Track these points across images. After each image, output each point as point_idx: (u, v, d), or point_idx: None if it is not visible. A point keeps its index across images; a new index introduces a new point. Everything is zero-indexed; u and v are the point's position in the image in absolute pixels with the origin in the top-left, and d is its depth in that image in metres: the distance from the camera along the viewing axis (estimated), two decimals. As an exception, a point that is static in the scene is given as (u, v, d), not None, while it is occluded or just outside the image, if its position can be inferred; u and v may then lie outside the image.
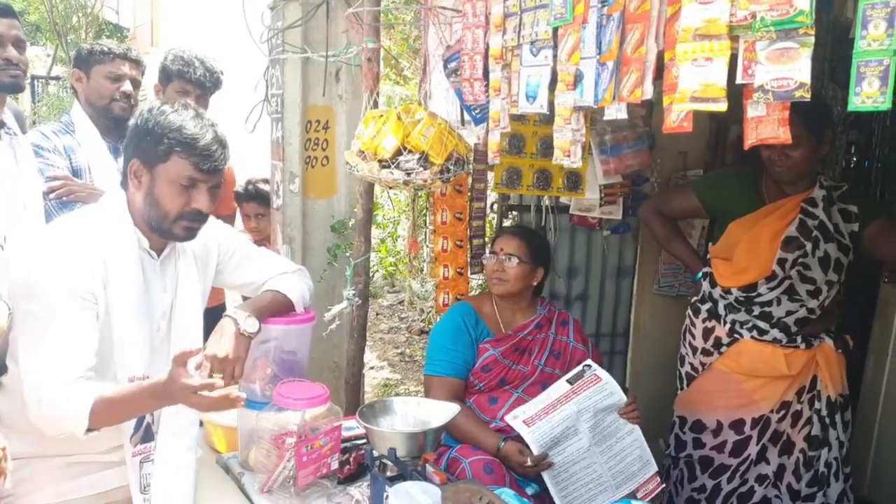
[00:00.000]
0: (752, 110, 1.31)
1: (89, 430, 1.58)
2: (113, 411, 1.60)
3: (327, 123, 3.02)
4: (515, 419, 2.23)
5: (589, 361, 2.36)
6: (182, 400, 1.52)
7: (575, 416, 2.25)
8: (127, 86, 2.66)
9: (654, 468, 2.32)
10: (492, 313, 2.56)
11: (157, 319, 1.80)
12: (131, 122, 1.74)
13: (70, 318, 1.62)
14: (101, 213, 1.75)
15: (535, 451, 2.20)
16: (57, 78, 13.68)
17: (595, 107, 1.60)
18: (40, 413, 1.59)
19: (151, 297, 1.77)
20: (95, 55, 2.64)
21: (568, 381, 2.29)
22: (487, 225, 3.38)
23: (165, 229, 1.73)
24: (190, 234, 1.76)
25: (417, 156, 2.09)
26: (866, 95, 1.13)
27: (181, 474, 1.80)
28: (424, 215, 3.03)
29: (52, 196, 2.43)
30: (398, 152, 2.11)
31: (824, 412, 2.56)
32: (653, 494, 2.26)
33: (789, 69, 1.20)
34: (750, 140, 1.36)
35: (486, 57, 1.94)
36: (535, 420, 2.22)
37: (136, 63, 2.71)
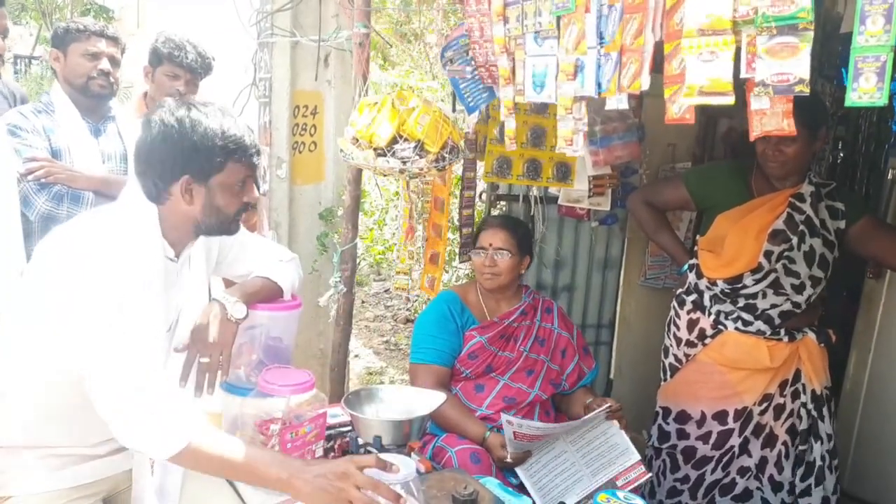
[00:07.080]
0: (756, 103, 1.31)
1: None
2: (215, 467, 1.51)
3: (315, 109, 3.00)
4: (509, 424, 2.10)
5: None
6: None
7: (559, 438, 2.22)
8: (105, 63, 2.61)
9: (636, 456, 2.20)
10: (477, 302, 2.56)
11: (169, 321, 1.76)
12: (151, 134, 1.58)
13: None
14: (130, 224, 1.63)
15: (510, 448, 2.15)
16: (39, 58, 13.49)
17: (596, 97, 1.60)
18: (134, 409, 1.48)
19: (167, 300, 1.73)
20: (71, 33, 2.59)
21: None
22: (477, 214, 3.37)
23: (224, 230, 1.71)
24: (239, 226, 1.75)
25: (413, 144, 2.08)
26: (863, 91, 1.14)
27: (171, 466, 1.77)
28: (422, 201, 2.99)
29: (29, 178, 2.38)
30: (394, 140, 2.09)
31: (810, 405, 2.58)
32: (635, 483, 2.15)
33: (789, 64, 1.21)
34: (755, 132, 1.36)
35: None
36: (522, 438, 2.13)
37: (114, 40, 2.65)
